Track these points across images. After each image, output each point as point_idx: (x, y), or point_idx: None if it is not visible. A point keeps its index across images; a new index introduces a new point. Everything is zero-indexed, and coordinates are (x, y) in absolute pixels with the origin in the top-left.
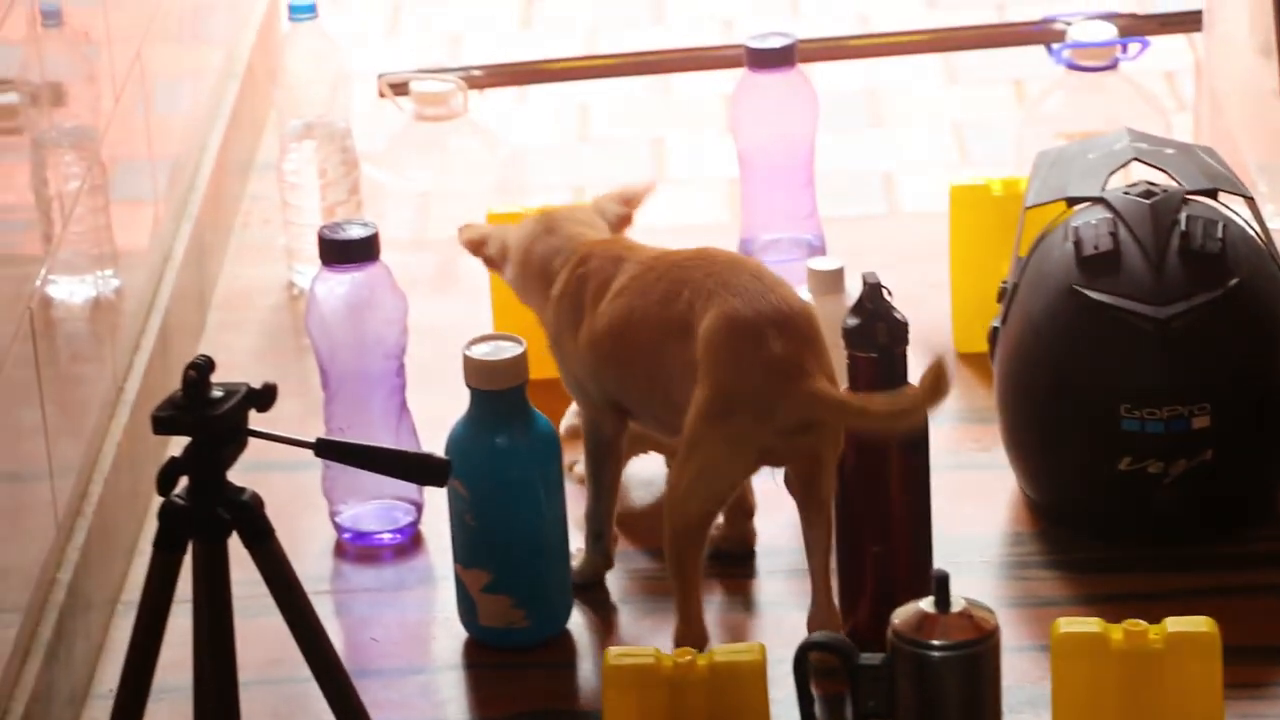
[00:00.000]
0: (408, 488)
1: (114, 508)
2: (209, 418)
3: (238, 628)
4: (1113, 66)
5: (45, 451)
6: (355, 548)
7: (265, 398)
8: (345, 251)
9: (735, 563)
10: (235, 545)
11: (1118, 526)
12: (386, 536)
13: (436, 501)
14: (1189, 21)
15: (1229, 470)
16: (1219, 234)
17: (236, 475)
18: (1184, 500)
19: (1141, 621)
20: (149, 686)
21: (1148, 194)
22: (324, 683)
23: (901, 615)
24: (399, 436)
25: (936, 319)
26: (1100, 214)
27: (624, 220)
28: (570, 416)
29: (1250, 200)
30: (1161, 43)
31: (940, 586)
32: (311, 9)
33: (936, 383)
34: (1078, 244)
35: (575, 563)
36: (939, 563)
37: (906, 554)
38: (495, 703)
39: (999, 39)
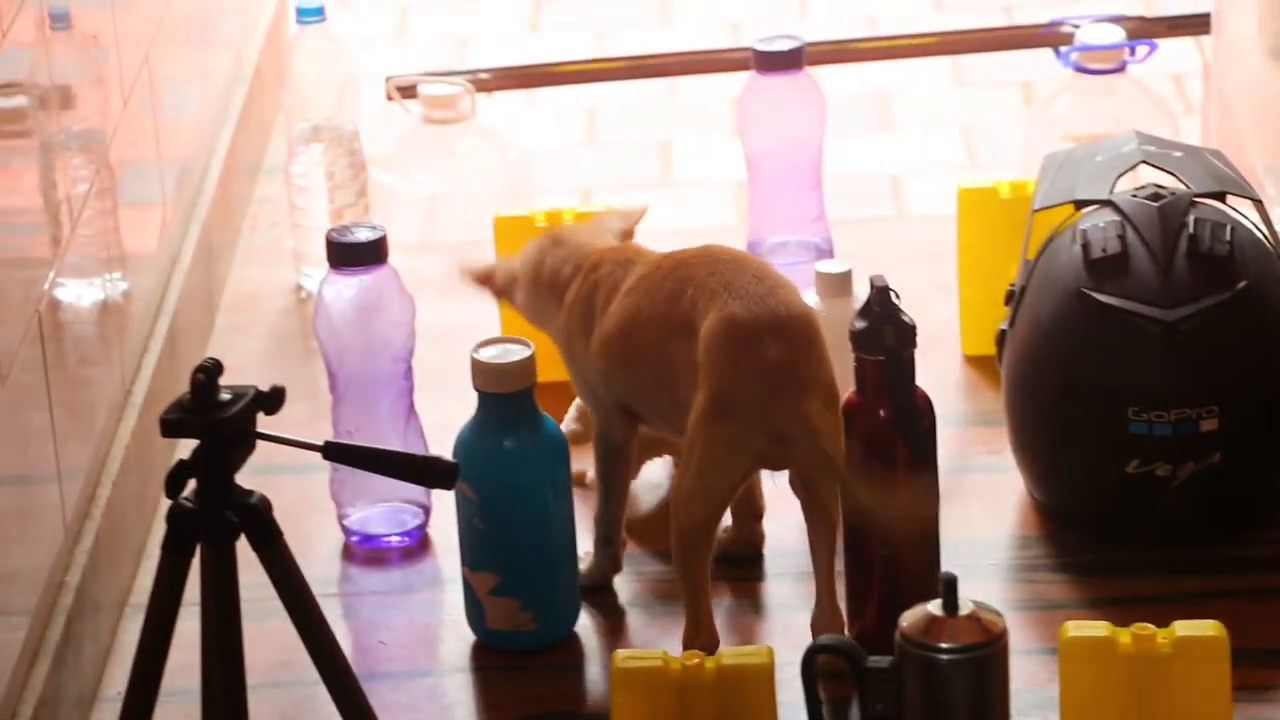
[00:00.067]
0: (415, 491)
1: (122, 511)
2: (217, 420)
3: (246, 630)
4: (1121, 69)
5: (53, 454)
6: (363, 550)
7: (273, 400)
8: (353, 254)
9: (743, 565)
10: (243, 548)
11: (1126, 529)
12: (394, 539)
13: (444, 504)
14: (1197, 24)
15: (1237, 473)
16: (1227, 237)
17: (245, 478)
18: (1192, 503)
19: (1150, 625)
20: (157, 689)
21: (1156, 197)
22: (332, 685)
23: (909, 618)
24: (407, 439)
25: (944, 321)
26: (1108, 217)
27: (625, 236)
28: (570, 421)
29: (1258, 203)
30: (1169, 45)
31: (948, 589)
32: (319, 12)
33: (909, 503)
34: (1086, 246)
35: (583, 566)
36: (947, 565)
37: (914, 557)
38: (503, 705)
39: (1007, 42)
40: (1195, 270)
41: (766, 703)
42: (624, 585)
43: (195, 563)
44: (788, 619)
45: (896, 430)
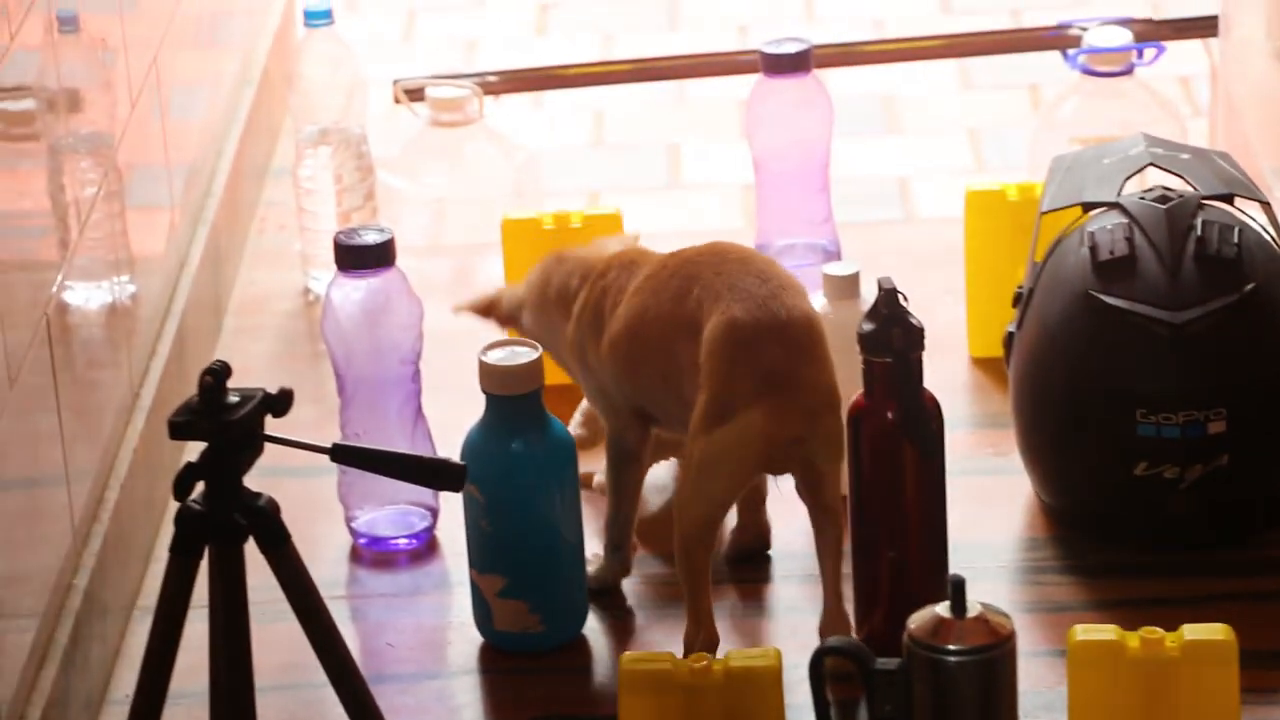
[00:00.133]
0: (423, 493)
1: (130, 513)
2: (225, 423)
3: (254, 633)
4: (1128, 72)
5: (61, 457)
6: (371, 553)
7: (281, 403)
8: (361, 257)
9: (752, 561)
10: (251, 550)
11: (1133, 531)
12: (402, 542)
13: (452, 507)
14: (1205, 27)
15: (1245, 475)
16: (1235, 239)
17: (253, 480)
18: (1200, 505)
19: (1158, 629)
20: (165, 692)
21: (1163, 199)
22: (340, 688)
23: (917, 620)
24: (414, 442)
25: (952, 324)
26: (1116, 219)
27: None
28: (575, 426)
29: (1266, 205)
30: (1177, 48)
31: (956, 591)
32: (327, 15)
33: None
34: (1093, 249)
35: (591, 569)
36: (955, 568)
37: (922, 559)
38: (511, 708)
39: (1014, 44)
40: (1203, 272)
41: (774, 705)
42: (632, 588)
43: (203, 565)
44: (795, 621)
45: (904, 432)
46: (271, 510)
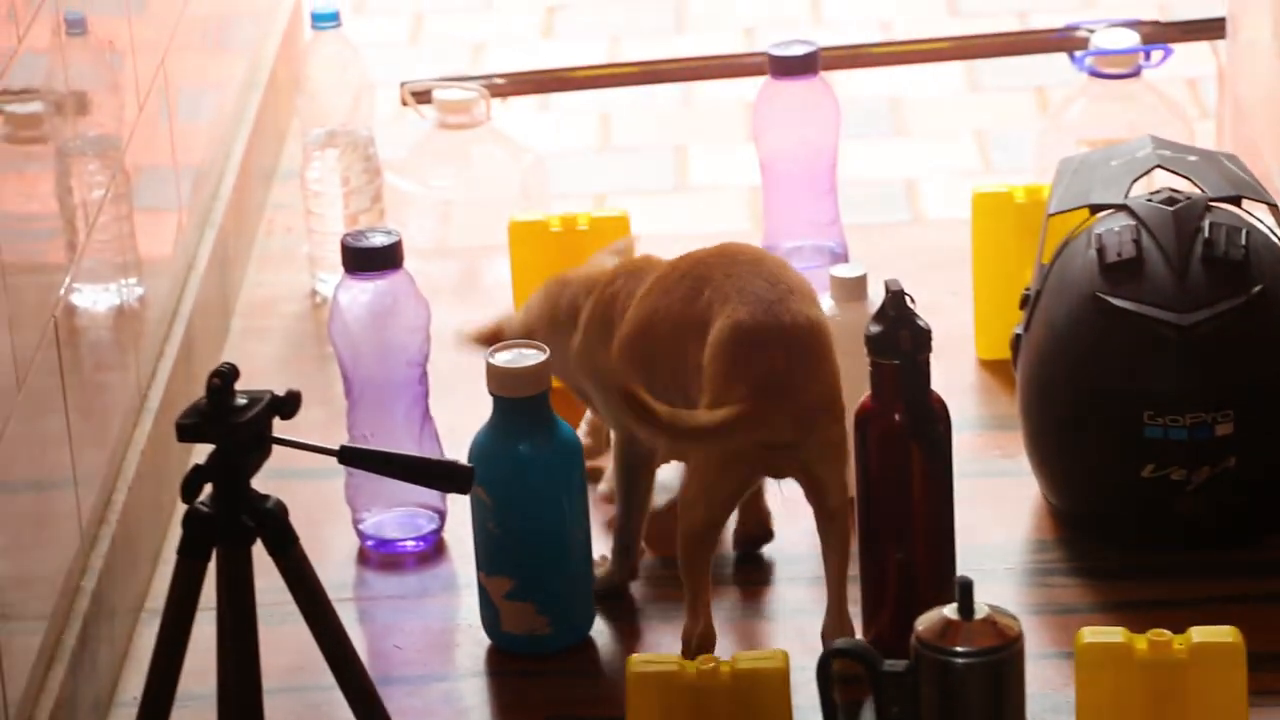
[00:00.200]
0: (431, 495)
1: (138, 516)
2: (233, 425)
3: (261, 635)
4: (1136, 74)
5: (69, 460)
6: (378, 555)
7: (289, 405)
8: (368, 259)
9: (757, 565)
10: (259, 552)
11: (1141, 533)
12: (410, 544)
13: (459, 509)
14: (1212, 29)
15: (1252, 477)
16: (1242, 241)
17: (260, 483)
18: (1207, 507)
19: (1166, 631)
20: (173, 694)
21: (1171, 201)
22: (347, 690)
23: (925, 622)
24: (422, 444)
25: (959, 326)
26: (1123, 221)
27: None
28: (581, 436)
29: (1274, 207)
30: (1184, 50)
31: (964, 593)
32: (334, 17)
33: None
34: (1101, 251)
35: (599, 571)
36: (962, 569)
37: (929, 561)
38: (518, 710)
39: (1021, 47)
40: (1210, 274)
41: (782, 707)
42: (639, 589)
43: (211, 567)
44: (803, 623)
45: (911, 434)
46: (279, 512)
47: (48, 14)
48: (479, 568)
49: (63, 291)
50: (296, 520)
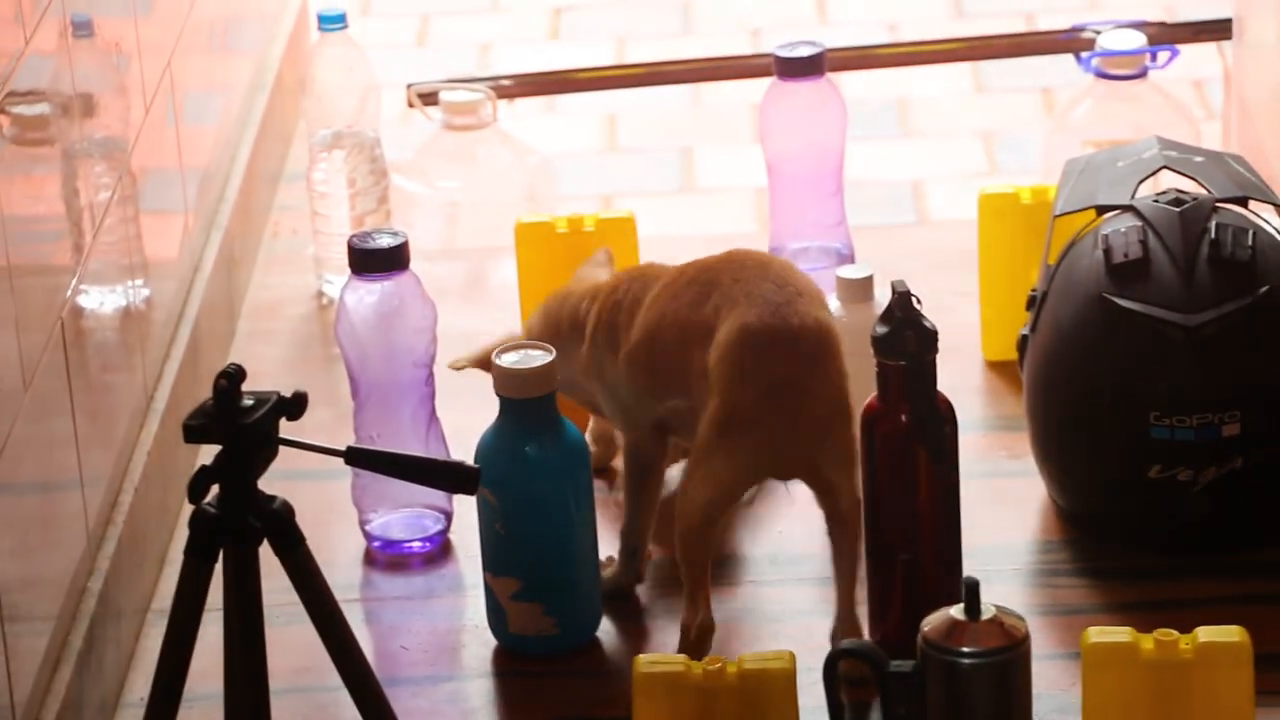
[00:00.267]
0: (437, 496)
1: (144, 517)
2: (240, 426)
3: (268, 636)
4: (1142, 75)
5: (76, 461)
6: (385, 556)
7: (296, 406)
8: (374, 261)
9: (763, 562)
10: (266, 553)
11: (1147, 534)
12: (416, 545)
13: (466, 510)
14: (1218, 30)
15: (1259, 477)
16: (1249, 242)
17: (267, 484)
18: (1214, 507)
19: (1172, 631)
20: (180, 695)
21: (1177, 202)
22: (354, 691)
23: (932, 622)
24: (429, 445)
25: (965, 327)
26: (1130, 222)
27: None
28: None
29: None
30: (1191, 51)
31: (970, 594)
32: (341, 19)
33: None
34: (1107, 252)
35: (606, 573)
36: (969, 570)
37: (936, 561)
38: (525, 710)
39: (1028, 48)
40: (1217, 275)
41: (788, 707)
42: (646, 591)
43: (218, 568)
44: (809, 624)
45: (918, 435)
46: (286, 513)
47: (54, 16)
48: (486, 569)
49: (69, 293)
50: (303, 521)
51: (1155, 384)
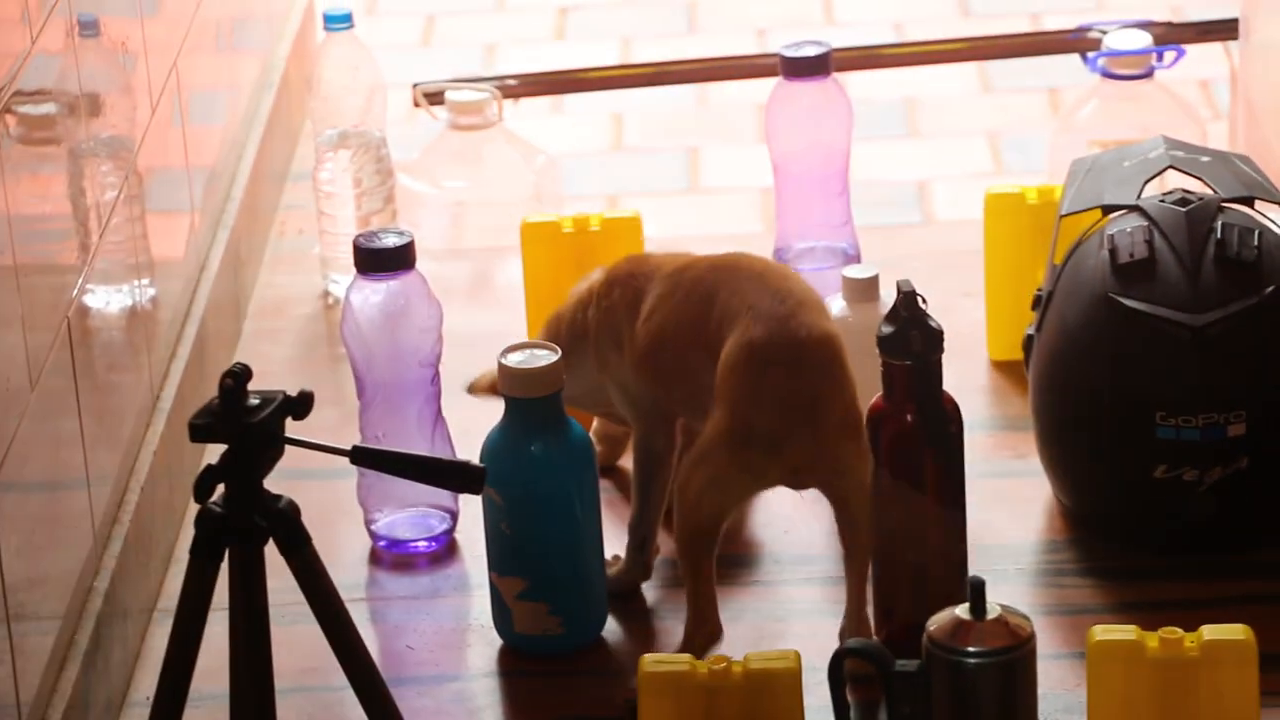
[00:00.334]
0: (443, 495)
1: (151, 516)
2: (246, 425)
3: (274, 635)
4: (1148, 75)
5: (82, 460)
6: (391, 555)
7: (302, 405)
8: (380, 260)
9: (769, 562)
10: (271, 553)
11: (1152, 534)
12: (422, 544)
13: (472, 509)
14: (1225, 30)
15: (1264, 477)
16: (1255, 242)
17: (273, 483)
18: (1219, 507)
19: (1177, 629)
20: (185, 694)
21: (1183, 202)
22: (360, 690)
23: (937, 622)
24: (434, 444)
25: (971, 327)
26: (1136, 222)
27: None
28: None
29: None
30: (1197, 51)
31: (976, 593)
32: (347, 19)
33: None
34: (1113, 252)
35: (612, 571)
36: (974, 570)
37: (941, 561)
38: (531, 710)
39: (1034, 48)
40: (1223, 275)
41: (794, 706)
42: (651, 590)
43: (224, 568)
44: (815, 624)
45: (923, 435)
46: (292, 512)
47: (61, 16)
48: (491, 568)
49: (76, 292)
50: (309, 520)
51: (1161, 384)
